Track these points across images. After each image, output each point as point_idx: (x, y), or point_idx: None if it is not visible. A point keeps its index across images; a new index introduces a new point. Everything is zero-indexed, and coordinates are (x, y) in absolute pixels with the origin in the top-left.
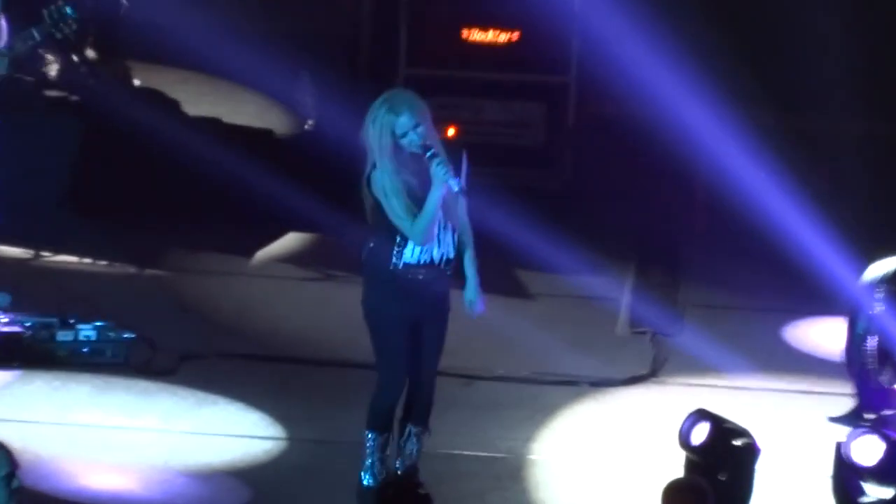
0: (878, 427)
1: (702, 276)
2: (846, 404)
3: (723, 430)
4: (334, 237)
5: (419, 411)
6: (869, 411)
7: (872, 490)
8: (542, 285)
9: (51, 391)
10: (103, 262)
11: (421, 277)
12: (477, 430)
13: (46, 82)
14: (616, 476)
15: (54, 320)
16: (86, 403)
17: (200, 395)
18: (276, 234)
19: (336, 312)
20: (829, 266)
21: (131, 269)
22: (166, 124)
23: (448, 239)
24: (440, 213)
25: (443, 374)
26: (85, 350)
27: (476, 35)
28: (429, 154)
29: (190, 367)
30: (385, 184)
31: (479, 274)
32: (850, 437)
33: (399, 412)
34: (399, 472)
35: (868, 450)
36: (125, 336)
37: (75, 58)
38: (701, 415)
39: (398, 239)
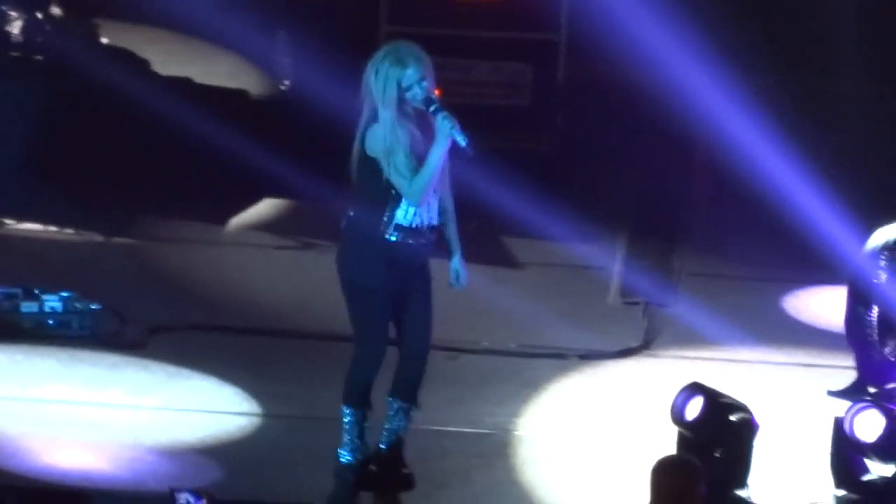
0: (879, 401)
1: (698, 243)
2: (847, 377)
3: (718, 404)
4: (312, 203)
5: (408, 386)
6: (870, 385)
7: (873, 466)
8: (530, 253)
9: (13, 365)
10: (69, 230)
11: (411, 242)
12: (462, 406)
13: (8, 41)
14: (606, 453)
15: (18, 291)
16: (51, 378)
17: (171, 369)
18: (251, 200)
19: (314, 283)
20: (831, 233)
21: (98, 238)
22: (135, 85)
23: (434, 204)
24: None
25: None
26: (51, 322)
27: None
28: (433, 108)
29: (161, 339)
30: (387, 137)
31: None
32: (851, 412)
33: (387, 386)
34: (384, 449)
35: (869, 425)
36: (92, 307)
37: (39, 15)
38: (695, 389)
39: (389, 202)
